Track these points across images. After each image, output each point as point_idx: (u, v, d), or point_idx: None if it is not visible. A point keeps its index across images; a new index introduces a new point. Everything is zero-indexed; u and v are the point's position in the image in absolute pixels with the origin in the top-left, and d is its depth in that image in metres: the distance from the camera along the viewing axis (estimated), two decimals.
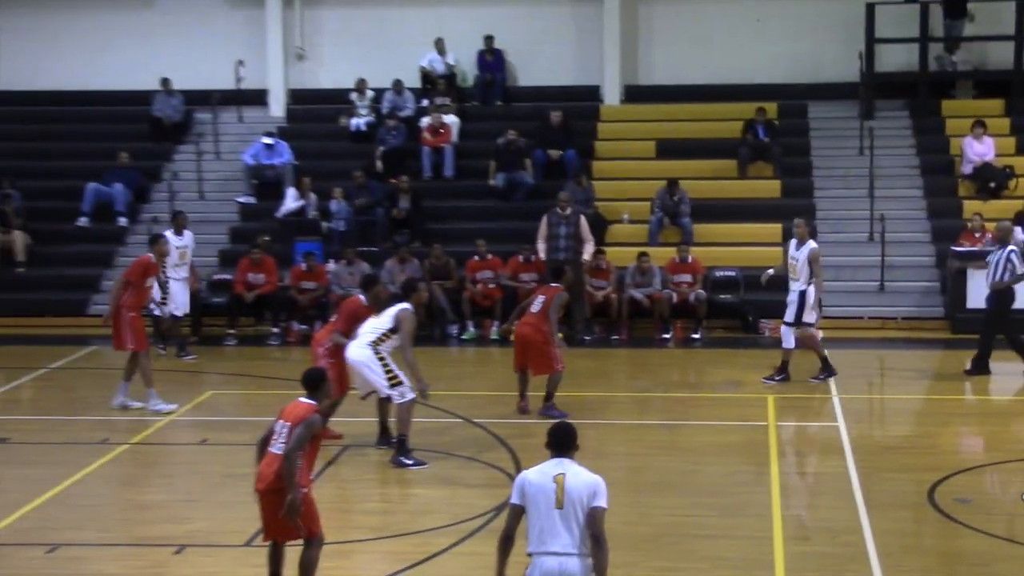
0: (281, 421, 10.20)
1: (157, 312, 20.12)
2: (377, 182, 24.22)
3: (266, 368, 19.86)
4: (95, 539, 12.38)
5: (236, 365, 20.33)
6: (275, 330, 21.79)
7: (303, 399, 10.29)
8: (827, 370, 18.16)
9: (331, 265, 22.32)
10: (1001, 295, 18.45)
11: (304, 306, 21.84)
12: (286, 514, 9.96)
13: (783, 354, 18.11)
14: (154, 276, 17.20)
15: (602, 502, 8.45)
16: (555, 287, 16.63)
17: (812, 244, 18.01)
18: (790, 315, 17.96)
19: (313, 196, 23.95)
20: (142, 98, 26.88)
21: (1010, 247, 18.49)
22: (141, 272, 16.87)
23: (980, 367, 18.47)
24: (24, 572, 11.61)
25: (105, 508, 13.35)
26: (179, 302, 20.39)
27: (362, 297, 15.03)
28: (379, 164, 24.87)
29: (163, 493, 13.86)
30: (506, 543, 8.49)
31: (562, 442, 8.61)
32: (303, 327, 21.71)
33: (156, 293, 18.67)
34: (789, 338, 18.02)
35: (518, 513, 8.47)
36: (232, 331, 21.80)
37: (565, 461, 8.54)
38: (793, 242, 18.17)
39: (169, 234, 19.82)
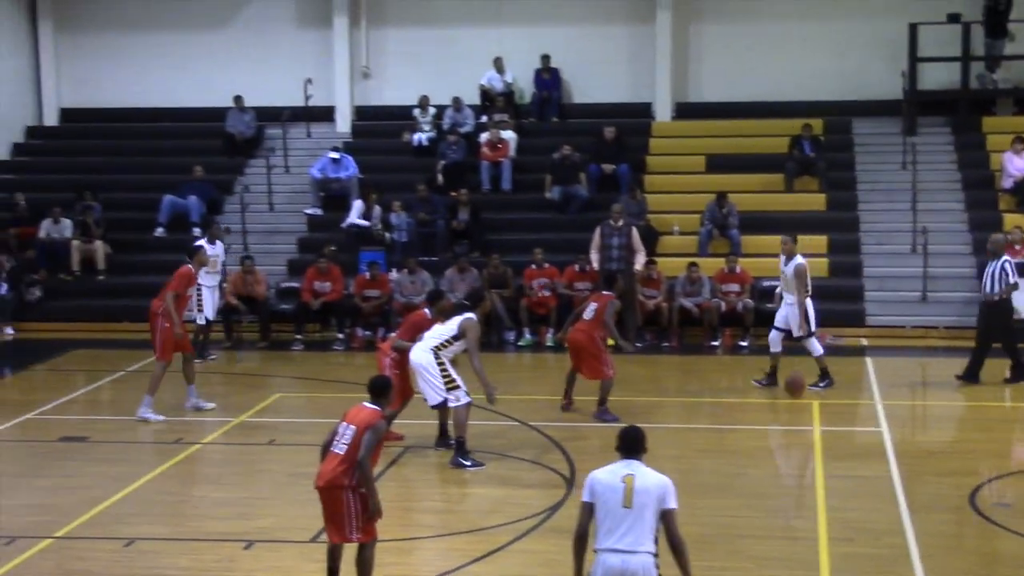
0: (345, 423, 10.22)
1: (198, 319, 20.23)
2: (438, 195, 24.26)
3: (331, 372, 19.91)
4: (168, 534, 12.45)
5: (302, 369, 20.38)
6: (340, 336, 21.85)
7: (367, 404, 10.31)
8: (826, 378, 18.00)
9: (394, 274, 22.37)
10: (998, 306, 18.20)
11: (368, 313, 21.89)
12: (370, 516, 10.14)
13: (817, 362, 17.97)
14: (194, 286, 17.36)
15: (673, 503, 8.44)
16: (607, 295, 16.59)
17: (798, 260, 17.77)
18: (799, 328, 17.76)
19: (377, 208, 24.01)
20: (216, 115, 27.07)
21: (1004, 258, 18.25)
22: (185, 283, 16.87)
23: (972, 376, 18.26)
24: (102, 564, 11.69)
25: (178, 505, 13.41)
26: (208, 308, 20.55)
27: (427, 310, 15.03)
28: (440, 178, 24.90)
29: (233, 491, 13.91)
30: (580, 542, 8.45)
31: (631, 445, 8.59)
32: (366, 333, 21.77)
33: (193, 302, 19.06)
34: (816, 346, 17.90)
35: (589, 511, 8.43)
36: (299, 336, 21.87)
37: (634, 463, 8.52)
38: (782, 258, 18.01)
39: (203, 242, 20.24)
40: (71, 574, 11.47)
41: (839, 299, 21.98)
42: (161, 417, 16.63)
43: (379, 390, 10.42)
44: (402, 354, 14.76)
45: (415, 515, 13.03)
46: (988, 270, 18.30)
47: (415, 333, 14.70)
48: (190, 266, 17.07)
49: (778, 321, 18.12)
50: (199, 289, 19.60)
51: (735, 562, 11.46)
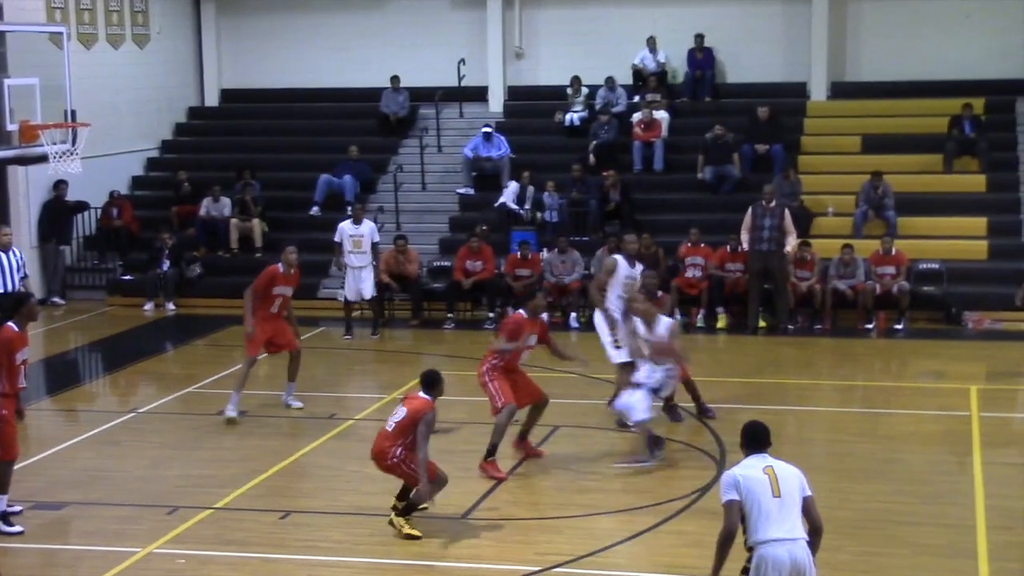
0: (401, 405, 11.55)
1: (338, 297, 20.77)
2: (590, 175, 24.22)
3: (481, 351, 19.97)
4: (323, 507, 12.66)
5: (453, 347, 20.54)
6: (491, 315, 21.95)
7: (422, 393, 10.96)
8: None
9: (545, 254, 22.40)
10: None
11: (519, 292, 21.94)
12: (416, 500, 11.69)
13: None
14: (282, 285, 16.26)
15: (809, 490, 8.41)
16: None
17: None
18: None
19: (530, 188, 24.05)
20: (371, 95, 27.36)
21: None
22: (265, 282, 16.10)
23: None
24: (259, 535, 11.94)
25: (332, 479, 13.62)
26: (352, 288, 20.81)
27: (522, 311, 14.09)
28: (592, 158, 24.85)
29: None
30: (730, 540, 8.32)
31: (760, 439, 8.54)
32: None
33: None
34: None
35: (738, 508, 8.31)
36: (450, 315, 22.03)
37: (766, 456, 8.44)
38: None
39: (347, 224, 20.83)
40: (230, 544, 11.74)
41: (999, 282, 21.42)
42: (234, 414, 15.94)
43: (430, 382, 11.74)
44: (505, 357, 13.90)
45: (565, 494, 13.04)
46: None
47: (514, 336, 13.91)
48: (278, 265, 16.41)
49: None
50: (345, 269, 20.42)
51: (891, 548, 11.28)
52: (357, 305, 21.34)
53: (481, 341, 20.95)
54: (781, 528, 8.19)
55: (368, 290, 20.88)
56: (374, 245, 21.06)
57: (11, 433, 11.98)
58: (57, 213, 24.01)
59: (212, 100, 28.96)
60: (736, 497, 8.32)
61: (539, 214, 23.68)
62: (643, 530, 11.81)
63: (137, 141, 26.89)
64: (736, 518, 8.33)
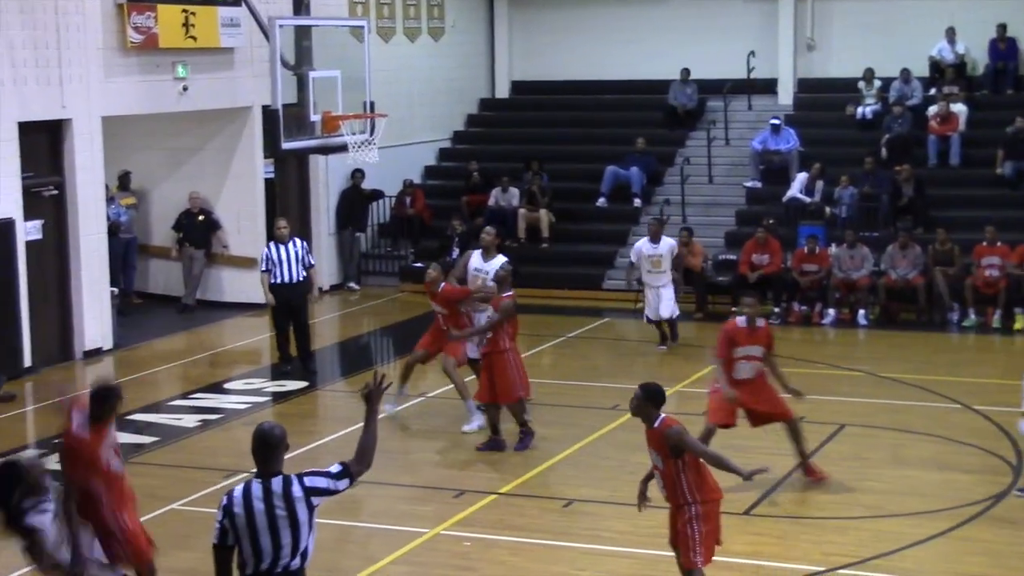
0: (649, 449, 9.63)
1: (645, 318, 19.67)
2: (882, 169, 23.61)
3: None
4: (606, 497, 12.72)
5: None
6: (776, 310, 21.62)
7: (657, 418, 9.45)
8: None
9: (833, 248, 21.94)
10: None
11: (805, 287, 21.58)
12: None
13: None
14: (464, 301, 15.19)
15: None
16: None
17: None
18: None
19: (820, 182, 23.60)
20: (659, 87, 27.33)
21: None
22: (441, 300, 15.24)
23: None
24: (542, 522, 12.10)
25: (615, 469, 13.64)
26: (654, 307, 19.35)
27: (740, 320, 13.37)
28: (884, 151, 24.21)
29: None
30: None
31: None
32: (803, 308, 21.48)
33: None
34: None
35: None
36: (735, 309, 21.74)
37: None
38: None
39: (644, 242, 19.69)
40: (513, 529, 11.93)
41: None
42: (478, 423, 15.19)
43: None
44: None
45: (849, 495, 12.75)
46: None
47: (727, 348, 13.19)
48: (450, 282, 15.51)
49: None
50: (642, 290, 19.66)
51: None
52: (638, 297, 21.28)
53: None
54: None
55: (667, 309, 19.49)
56: (676, 258, 20.05)
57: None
58: (353, 201, 24.82)
59: (503, 92, 29.43)
60: None
61: (828, 208, 23.22)
62: (932, 535, 11.46)
63: (430, 132, 27.54)
64: None
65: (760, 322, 13.23)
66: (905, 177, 22.87)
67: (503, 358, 14.11)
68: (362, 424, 7.69)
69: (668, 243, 19.77)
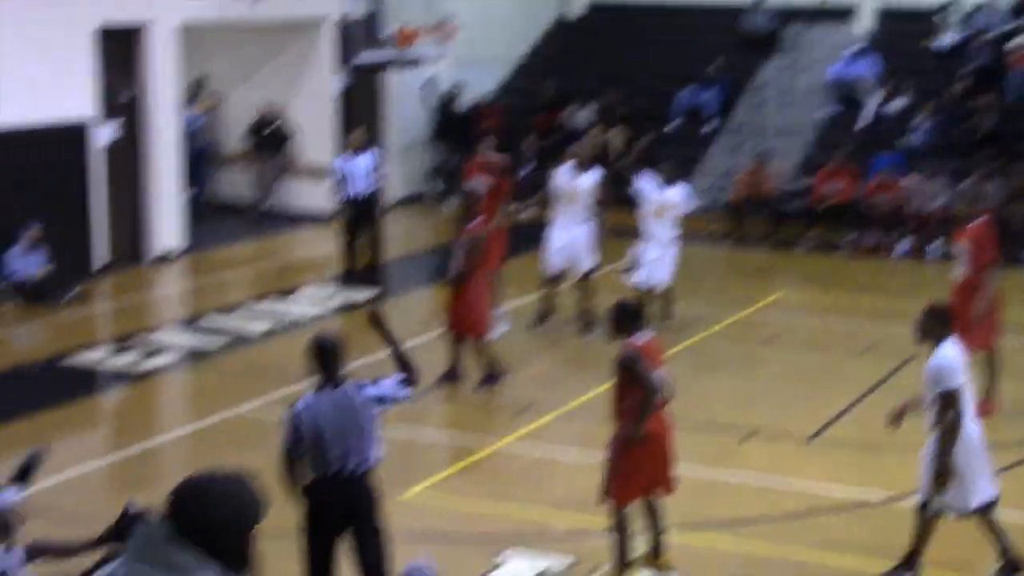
0: None
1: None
2: (964, 100, 23.06)
3: (834, 276, 19.54)
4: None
5: (806, 270, 20.08)
6: (847, 239, 21.29)
7: None
8: None
9: (908, 179, 21.51)
10: None
11: (878, 218, 21.21)
12: None
13: None
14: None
15: None
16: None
17: None
18: None
19: (897, 103, 23.06)
20: (735, 12, 26.80)
21: None
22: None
23: None
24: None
25: (680, 393, 13.41)
26: (651, 271, 15.66)
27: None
28: (965, 82, 23.63)
29: (730, 384, 13.91)
30: None
31: None
32: (874, 239, 21.13)
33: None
34: None
35: None
36: (806, 236, 21.50)
37: None
38: None
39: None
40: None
41: None
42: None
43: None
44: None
45: None
46: None
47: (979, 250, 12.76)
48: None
49: None
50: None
51: None
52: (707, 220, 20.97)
53: (836, 264, 20.45)
54: None
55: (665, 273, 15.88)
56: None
57: None
58: (451, 119, 24.66)
59: (579, 11, 28.99)
60: None
61: (906, 138, 22.74)
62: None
63: (504, 49, 27.22)
64: None
65: None
66: (986, 108, 22.29)
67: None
68: (388, 346, 7.70)
69: (681, 189, 16.08)
